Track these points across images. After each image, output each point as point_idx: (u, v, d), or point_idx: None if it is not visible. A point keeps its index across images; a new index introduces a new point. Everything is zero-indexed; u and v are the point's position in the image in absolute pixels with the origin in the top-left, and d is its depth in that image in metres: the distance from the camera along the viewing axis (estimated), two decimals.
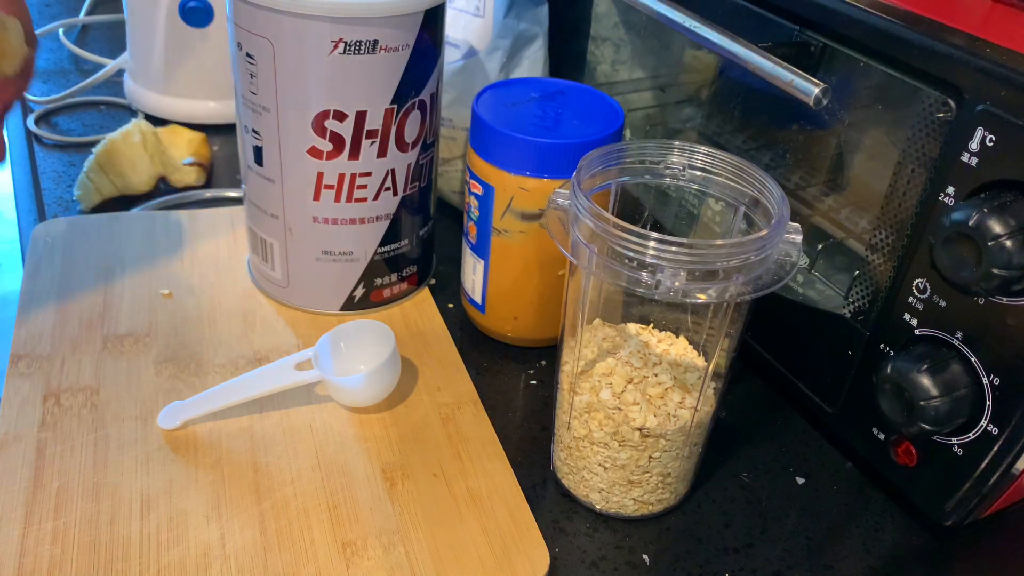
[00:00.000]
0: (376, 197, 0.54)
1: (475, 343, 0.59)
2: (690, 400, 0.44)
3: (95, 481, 0.45)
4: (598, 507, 0.47)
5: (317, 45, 0.48)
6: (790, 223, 0.40)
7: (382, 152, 0.52)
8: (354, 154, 0.52)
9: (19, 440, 0.46)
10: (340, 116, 0.50)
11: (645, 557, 0.45)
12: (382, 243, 0.56)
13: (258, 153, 0.53)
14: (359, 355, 0.51)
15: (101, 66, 0.87)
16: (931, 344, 0.42)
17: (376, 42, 0.48)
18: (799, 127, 0.52)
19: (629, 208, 0.53)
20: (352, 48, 0.48)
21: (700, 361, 0.47)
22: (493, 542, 0.44)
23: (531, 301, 0.56)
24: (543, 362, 0.58)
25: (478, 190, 0.53)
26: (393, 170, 0.54)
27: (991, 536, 0.49)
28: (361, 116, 0.50)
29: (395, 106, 0.51)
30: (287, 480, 0.46)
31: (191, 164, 0.71)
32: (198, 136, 0.75)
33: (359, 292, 0.58)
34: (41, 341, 0.52)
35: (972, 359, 0.41)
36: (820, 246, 0.53)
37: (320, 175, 0.52)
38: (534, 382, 0.56)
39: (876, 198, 0.46)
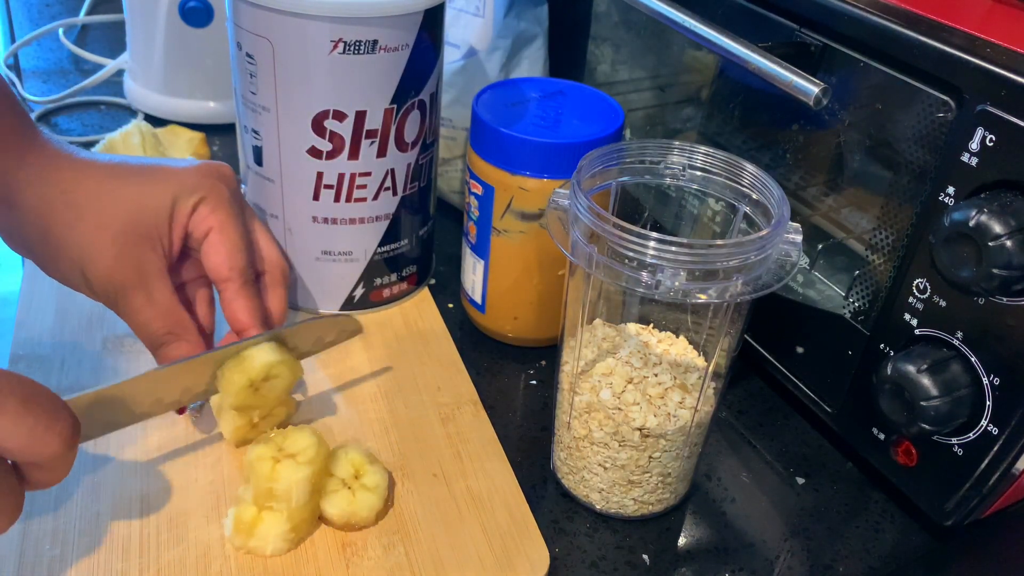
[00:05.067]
0: (376, 197, 0.54)
1: (475, 343, 0.59)
2: (690, 400, 0.44)
3: (95, 481, 0.45)
4: (598, 507, 0.47)
5: (317, 45, 0.48)
6: (790, 223, 0.40)
7: (382, 152, 0.52)
8: (354, 154, 0.52)
9: None
10: (340, 116, 0.50)
11: (645, 557, 0.45)
12: (382, 243, 0.56)
13: (258, 153, 0.53)
14: None
15: (101, 66, 0.87)
16: (931, 344, 0.42)
17: (376, 42, 0.48)
18: (799, 127, 0.52)
19: (629, 208, 0.53)
20: (352, 48, 0.48)
21: (700, 361, 0.47)
22: (493, 542, 0.44)
23: (531, 301, 0.56)
24: (543, 362, 0.58)
25: (478, 190, 0.53)
26: (393, 170, 0.54)
27: (991, 536, 0.49)
28: (361, 116, 0.50)
29: (395, 106, 0.51)
30: None
31: None
32: (198, 136, 0.75)
33: (359, 292, 0.58)
34: (41, 341, 0.52)
35: (972, 359, 0.41)
36: (820, 246, 0.53)
37: (320, 175, 0.52)
38: (534, 382, 0.56)
39: (876, 198, 0.46)
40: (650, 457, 0.44)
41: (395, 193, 0.55)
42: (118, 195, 0.45)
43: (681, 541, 0.47)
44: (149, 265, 0.45)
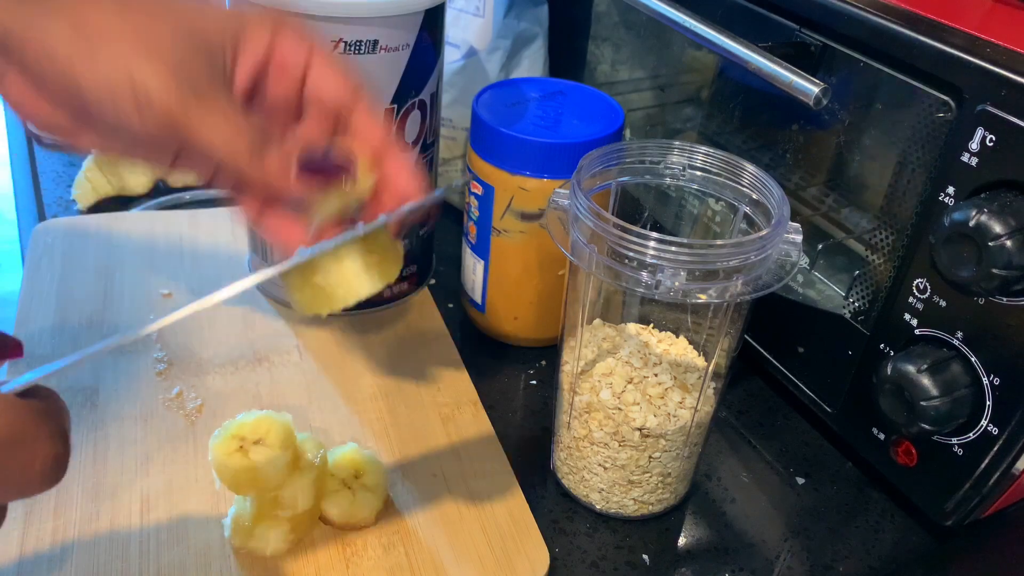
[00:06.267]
0: None
1: (475, 343, 0.59)
2: (690, 400, 0.44)
3: (95, 481, 0.45)
4: (598, 507, 0.47)
5: None
6: (790, 223, 0.40)
7: None
8: None
9: None
10: None
11: (645, 557, 0.45)
12: None
13: None
14: None
15: None
16: (931, 344, 0.42)
17: (376, 42, 0.48)
18: (799, 127, 0.52)
19: (629, 208, 0.53)
20: (352, 48, 0.48)
21: (700, 361, 0.47)
22: (493, 542, 0.44)
23: (531, 301, 0.56)
24: (543, 362, 0.58)
25: (478, 190, 0.53)
26: None
27: (991, 536, 0.49)
28: None
29: (395, 106, 0.51)
30: None
31: None
32: None
33: None
34: (41, 341, 0.52)
35: (972, 359, 0.41)
36: (820, 246, 0.53)
37: None
38: (534, 382, 0.56)
39: (876, 198, 0.46)
40: (650, 457, 0.44)
41: None
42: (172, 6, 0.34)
43: (681, 541, 0.47)
44: (215, 80, 0.35)
